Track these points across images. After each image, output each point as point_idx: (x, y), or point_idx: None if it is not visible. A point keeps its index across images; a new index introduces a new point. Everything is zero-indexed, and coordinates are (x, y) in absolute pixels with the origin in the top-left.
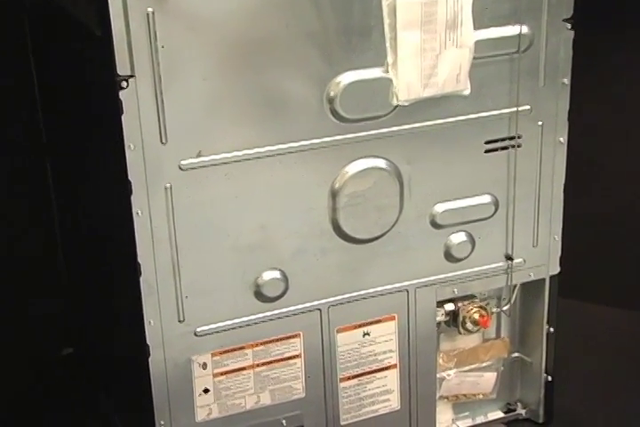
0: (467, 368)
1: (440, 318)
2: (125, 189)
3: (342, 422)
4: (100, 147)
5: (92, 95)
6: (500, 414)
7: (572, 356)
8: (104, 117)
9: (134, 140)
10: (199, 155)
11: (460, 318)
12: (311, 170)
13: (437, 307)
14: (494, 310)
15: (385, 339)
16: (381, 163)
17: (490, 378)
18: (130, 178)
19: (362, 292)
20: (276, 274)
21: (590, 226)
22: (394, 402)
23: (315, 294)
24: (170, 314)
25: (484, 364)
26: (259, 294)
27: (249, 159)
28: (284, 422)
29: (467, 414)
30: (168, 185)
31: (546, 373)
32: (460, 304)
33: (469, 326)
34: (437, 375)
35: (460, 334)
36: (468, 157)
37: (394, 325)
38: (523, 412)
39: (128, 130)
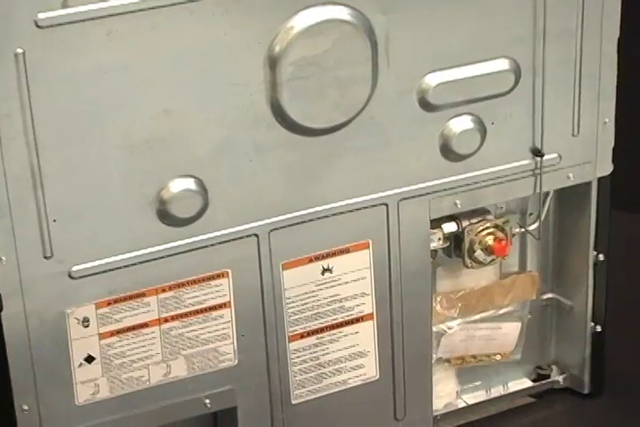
0: (477, 317)
1: (436, 244)
2: None
3: (294, 401)
4: None
5: None
6: (526, 383)
7: (630, 298)
8: None
9: None
10: (65, 4)
11: (467, 244)
12: (238, 25)
13: (432, 228)
14: (516, 230)
15: (354, 277)
16: (343, 13)
17: (511, 331)
18: None
19: (319, 208)
20: (190, 184)
21: None
22: (369, 369)
23: (248, 212)
24: (30, 246)
25: (503, 310)
26: (164, 215)
27: (143, 9)
28: (207, 402)
29: (478, 384)
30: (20, 51)
31: (593, 321)
32: (465, 223)
33: (480, 255)
34: (434, 329)
35: (467, 267)
36: (473, 2)
37: (367, 256)
38: (560, 379)
39: None
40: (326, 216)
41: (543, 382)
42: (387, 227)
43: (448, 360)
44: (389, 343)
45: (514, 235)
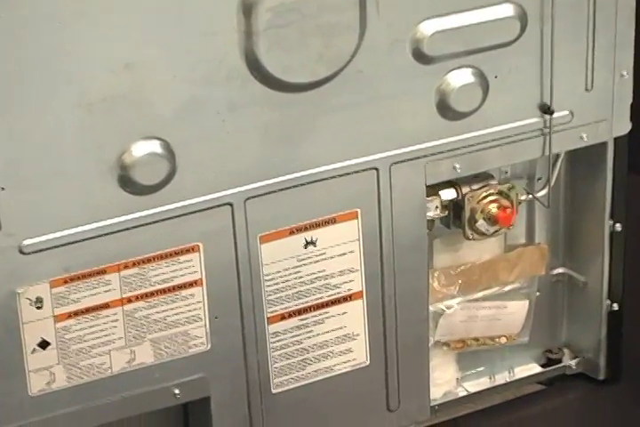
0: (479, 295)
1: (433, 213)
2: None
3: (275, 390)
4: None
5: None
6: (535, 369)
7: None
8: None
9: None
10: None
11: (467, 214)
12: None
13: (428, 196)
14: (523, 197)
15: (341, 251)
16: None
17: (517, 310)
18: None
19: (300, 174)
20: (155, 146)
21: None
22: (359, 354)
23: (221, 178)
24: None
25: (508, 287)
26: (126, 182)
27: None
28: (176, 392)
29: (481, 369)
30: None
31: (609, 299)
32: (466, 190)
33: (482, 225)
34: (431, 309)
35: (468, 239)
36: None
37: (355, 227)
38: (572, 363)
39: None
40: (309, 183)
41: (554, 367)
42: (377, 194)
43: (447, 344)
44: (381, 325)
45: (520, 202)
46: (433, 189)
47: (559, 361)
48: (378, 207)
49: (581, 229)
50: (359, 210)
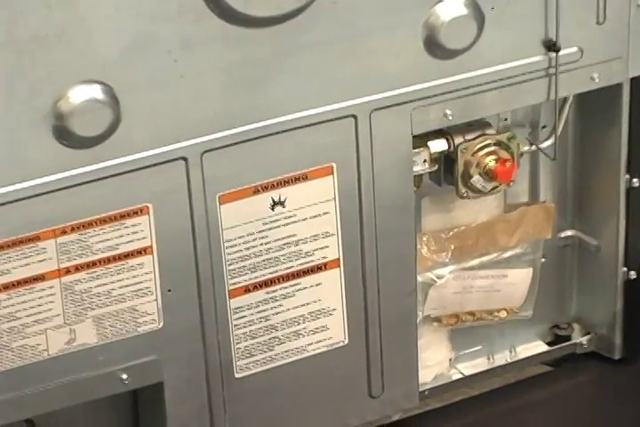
0: (475, 263)
1: (421, 167)
2: None
3: (238, 374)
4: None
5: None
6: (540, 347)
7: None
8: None
9: None
10: None
11: (461, 168)
12: None
13: (415, 147)
14: (525, 148)
15: (314, 212)
16: None
17: (519, 280)
18: None
19: (266, 123)
20: (95, 92)
21: None
22: (335, 332)
23: (173, 129)
24: None
25: (509, 253)
26: (63, 133)
27: None
28: (124, 377)
29: (478, 348)
30: None
31: (626, 266)
32: (459, 140)
33: (478, 181)
34: (419, 279)
35: (462, 197)
36: None
37: (331, 184)
38: (583, 341)
39: None
40: (276, 133)
41: (562, 345)
42: (356, 146)
43: (438, 319)
44: (361, 299)
45: (522, 155)
46: (421, 140)
47: (568, 338)
48: (356, 161)
49: (593, 184)
50: (334, 164)
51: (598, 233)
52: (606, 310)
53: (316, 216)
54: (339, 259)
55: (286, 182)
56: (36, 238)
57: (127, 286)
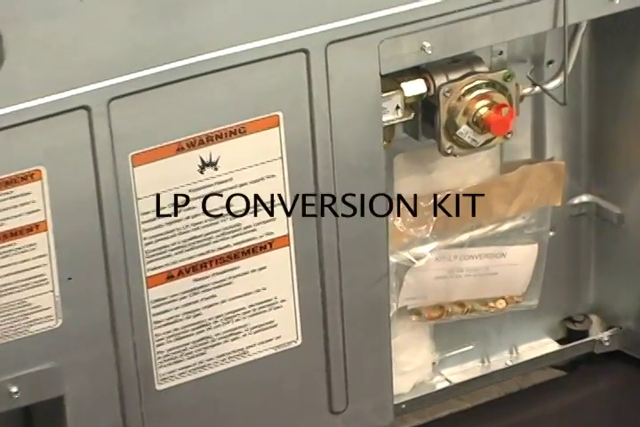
0: (464, 239)
1: (393, 116)
2: None
3: (160, 386)
4: None
5: None
6: (549, 346)
7: None
8: None
9: None
10: None
11: (444, 116)
12: None
13: (385, 91)
14: (527, 91)
15: (256, 175)
16: None
17: (522, 259)
18: None
19: (190, 61)
20: None
21: None
22: (286, 330)
23: (70, 69)
24: None
25: (507, 225)
26: None
27: None
28: (13, 389)
29: (469, 349)
30: None
31: None
32: (441, 81)
33: (467, 133)
34: (392, 260)
35: (446, 154)
36: None
37: (276, 139)
38: (604, 337)
39: None
40: (203, 74)
41: (577, 343)
42: (308, 90)
43: (417, 312)
44: (318, 286)
45: (522, 98)
46: (392, 81)
47: (585, 334)
48: (309, 109)
49: (614, 136)
50: (280, 114)
51: (621, 199)
52: (632, 298)
53: (257, 180)
54: (288, 235)
55: (218, 137)
56: None
57: (14, 273)
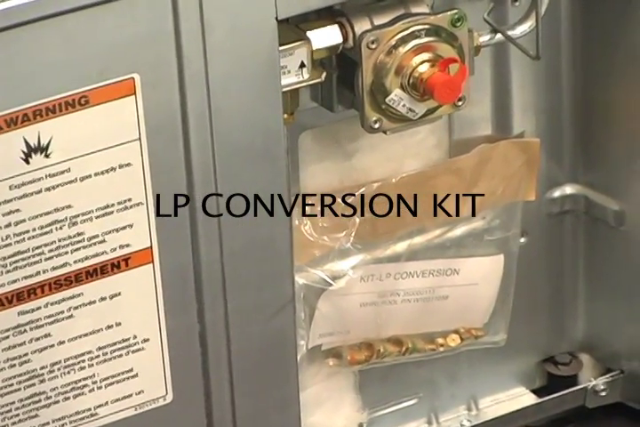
0: (400, 249)
1: (297, 78)
2: None
3: None
4: None
5: None
6: (524, 398)
7: None
8: None
9: None
10: None
11: (368, 78)
12: None
13: (285, 43)
14: (485, 39)
15: (104, 164)
16: None
17: (482, 277)
18: None
19: (4, 4)
20: None
21: None
22: (149, 382)
23: None
24: None
25: (461, 229)
26: None
27: None
28: None
29: (410, 404)
30: None
31: None
32: (362, 27)
33: (400, 100)
34: (299, 280)
35: (372, 130)
36: None
37: (131, 111)
38: (599, 384)
39: None
40: (27, 22)
41: (562, 393)
42: (175, 42)
43: (336, 354)
44: (194, 318)
45: (478, 51)
46: (294, 30)
47: (573, 381)
48: (178, 71)
49: (607, 104)
50: (137, 77)
51: (619, 190)
52: (637, 329)
53: (106, 171)
54: (150, 248)
55: (50, 111)
56: None
57: None
